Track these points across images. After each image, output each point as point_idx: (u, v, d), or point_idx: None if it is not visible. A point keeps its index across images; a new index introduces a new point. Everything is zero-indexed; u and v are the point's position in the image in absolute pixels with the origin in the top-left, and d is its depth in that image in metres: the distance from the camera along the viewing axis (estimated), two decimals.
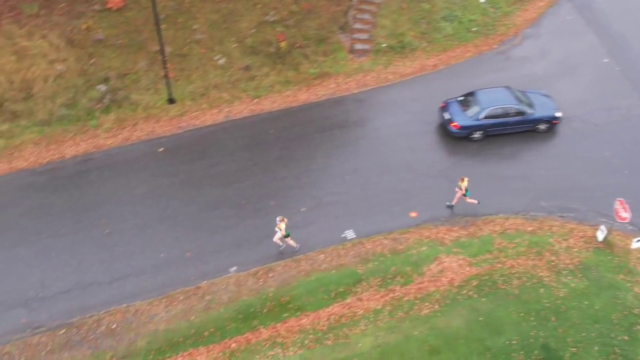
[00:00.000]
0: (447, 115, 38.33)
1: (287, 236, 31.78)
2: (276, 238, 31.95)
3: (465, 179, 33.36)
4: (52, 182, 36.33)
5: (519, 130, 38.52)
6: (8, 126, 38.91)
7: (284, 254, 32.60)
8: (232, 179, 36.22)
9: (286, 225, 31.46)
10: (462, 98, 38.91)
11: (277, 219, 31.39)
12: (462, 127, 37.72)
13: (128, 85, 40.85)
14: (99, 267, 32.19)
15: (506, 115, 37.95)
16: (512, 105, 37.98)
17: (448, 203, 34.60)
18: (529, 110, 38.19)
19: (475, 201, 34.01)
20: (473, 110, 37.95)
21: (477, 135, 38.00)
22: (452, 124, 37.79)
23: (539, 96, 39.65)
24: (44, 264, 32.38)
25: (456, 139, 38.15)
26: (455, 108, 38.47)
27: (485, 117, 37.69)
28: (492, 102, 38.04)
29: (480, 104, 37.97)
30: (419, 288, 31.04)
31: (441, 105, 39.18)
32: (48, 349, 29.24)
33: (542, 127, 38.58)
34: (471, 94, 38.87)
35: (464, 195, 33.61)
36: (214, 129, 39.35)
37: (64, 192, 35.82)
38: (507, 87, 39.25)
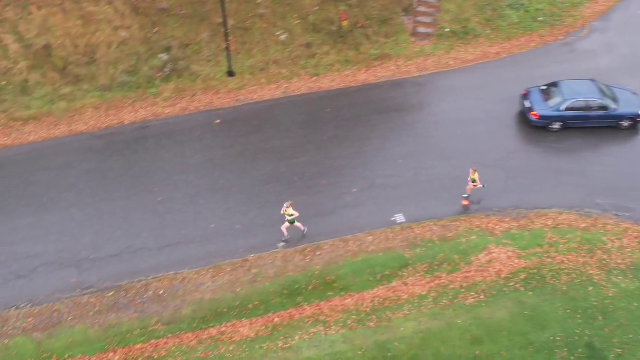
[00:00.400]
0: (527, 104, 37.78)
1: (292, 222, 31.65)
2: (284, 227, 31.87)
3: (476, 172, 32.98)
4: (109, 147, 36.98)
5: (600, 125, 37.70)
6: (70, 89, 39.68)
7: (289, 242, 32.41)
8: (285, 154, 36.36)
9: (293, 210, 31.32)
10: (544, 87, 38.27)
11: (285, 204, 31.22)
12: (542, 117, 37.16)
13: (189, 55, 41.22)
14: (150, 234, 32.70)
15: (588, 108, 37.20)
16: (596, 99, 37.20)
17: (464, 195, 34.20)
18: (612, 106, 37.33)
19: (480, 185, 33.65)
20: (555, 101, 37.32)
21: (556, 126, 37.36)
22: (532, 113, 37.24)
23: (625, 92, 38.70)
24: (96, 226, 33.03)
25: (515, 129, 37.69)
26: (536, 97, 37.90)
27: (567, 109, 37.01)
28: (575, 94, 37.34)
29: (563, 95, 37.32)
30: (465, 277, 30.82)
31: (523, 92, 38.61)
32: (96, 309, 29.90)
33: (625, 124, 37.68)
34: (554, 84, 38.18)
35: (472, 183, 33.29)
36: (271, 104, 39.51)
37: (121, 157, 36.44)
38: (593, 80, 38.41)
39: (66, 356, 28.43)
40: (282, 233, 32.03)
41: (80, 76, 40.01)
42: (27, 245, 32.02)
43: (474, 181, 33.04)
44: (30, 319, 29.57)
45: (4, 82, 39.53)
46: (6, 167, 36.03)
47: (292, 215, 31.15)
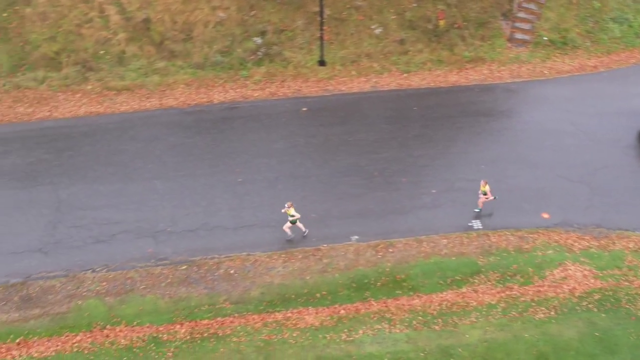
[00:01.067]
0: None
1: (293, 223, 31.44)
2: (286, 226, 31.68)
3: (487, 184, 32.12)
4: (197, 124, 37.71)
5: None
6: (165, 64, 40.63)
7: (293, 242, 32.15)
8: (368, 148, 36.36)
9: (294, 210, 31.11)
10: None
11: (286, 204, 30.94)
12: None
13: (283, 41, 41.62)
14: (227, 213, 33.21)
15: None
16: None
17: (476, 209, 33.39)
18: None
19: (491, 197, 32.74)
20: None
21: None
22: None
23: None
24: (176, 200, 33.75)
25: (605, 145, 36.66)
26: None
27: None
28: None
29: None
30: (537, 291, 30.27)
31: None
32: (168, 281, 30.57)
33: None
34: None
35: (484, 195, 32.46)
36: (359, 97, 39.57)
37: (207, 135, 37.13)
38: None
39: (135, 323, 29.17)
40: (285, 232, 31.92)
41: (175, 52, 40.90)
42: (109, 212, 32.97)
43: (484, 193, 32.29)
44: (104, 283, 30.46)
45: (102, 52, 40.75)
46: (96, 134, 37.20)
47: (293, 216, 31.09)
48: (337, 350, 27.79)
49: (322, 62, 40.99)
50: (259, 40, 41.44)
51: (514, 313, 29.23)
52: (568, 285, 30.39)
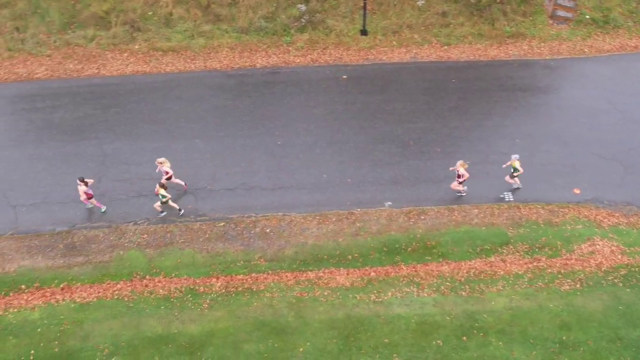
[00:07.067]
0: None
1: (164, 203, 31.85)
2: (156, 205, 32.09)
3: (464, 165, 31.92)
4: (239, 87, 38.65)
5: None
6: (210, 27, 41.51)
7: (166, 215, 32.47)
8: (404, 118, 37.02)
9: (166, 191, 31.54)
10: None
11: (158, 185, 31.23)
12: None
13: (326, 9, 42.23)
14: (265, 174, 34.20)
15: None
16: None
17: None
18: None
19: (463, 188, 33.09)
20: None
21: None
22: None
23: None
24: (217, 159, 34.81)
25: (638, 125, 36.86)
26: None
27: None
28: None
29: None
30: (564, 264, 30.88)
31: None
32: (206, 236, 31.69)
33: None
34: None
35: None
36: (398, 67, 40.13)
37: (248, 98, 38.06)
38: None
39: (173, 275, 30.38)
40: (156, 210, 32.36)
41: (221, 16, 41.74)
42: (152, 168, 34.02)
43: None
44: (145, 236, 31.69)
45: (150, 13, 41.72)
46: (142, 93, 38.33)
47: (164, 196, 31.45)
48: (366, 310, 28.71)
49: (364, 32, 41.54)
50: (303, 7, 42.10)
51: (540, 284, 29.89)
52: (595, 260, 30.94)
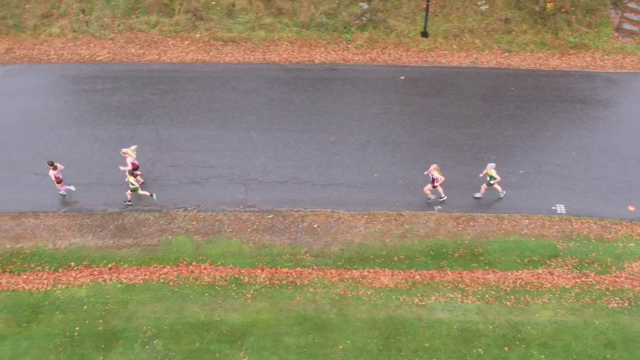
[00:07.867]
0: None
1: (134, 191, 31.79)
2: (127, 192, 32.06)
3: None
4: (296, 81, 38.78)
5: None
6: (271, 20, 41.73)
7: (133, 204, 32.66)
8: (460, 122, 36.74)
9: (136, 181, 31.59)
10: None
11: (127, 172, 31.32)
12: None
13: (388, 9, 42.14)
14: (316, 170, 34.28)
15: None
16: None
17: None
18: None
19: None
20: None
21: None
22: None
23: None
24: (269, 152, 35.01)
25: None
26: None
27: None
28: None
29: None
30: (614, 281, 30.37)
31: None
32: (254, 227, 31.94)
33: None
34: None
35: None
36: (457, 71, 39.84)
37: (304, 93, 38.17)
38: None
39: (219, 263, 30.72)
40: (127, 197, 32.44)
41: (283, 10, 41.92)
42: (205, 156, 34.49)
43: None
44: (194, 222, 32.07)
45: (213, 2, 42.13)
46: (200, 81, 38.72)
47: (133, 184, 31.35)
48: (408, 313, 28.68)
49: (424, 33, 41.36)
50: (365, 5, 42.07)
51: (587, 299, 29.47)
52: None
